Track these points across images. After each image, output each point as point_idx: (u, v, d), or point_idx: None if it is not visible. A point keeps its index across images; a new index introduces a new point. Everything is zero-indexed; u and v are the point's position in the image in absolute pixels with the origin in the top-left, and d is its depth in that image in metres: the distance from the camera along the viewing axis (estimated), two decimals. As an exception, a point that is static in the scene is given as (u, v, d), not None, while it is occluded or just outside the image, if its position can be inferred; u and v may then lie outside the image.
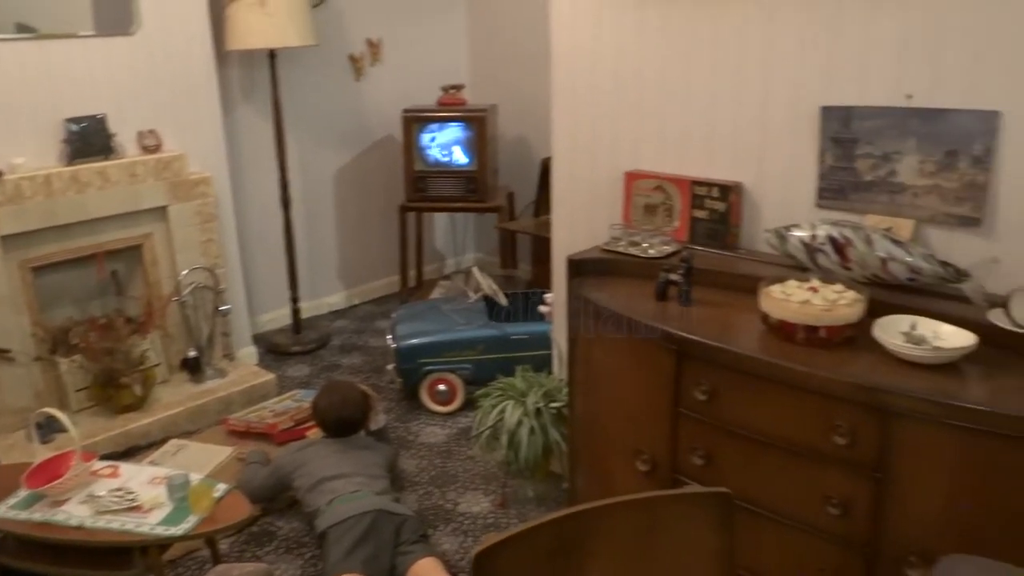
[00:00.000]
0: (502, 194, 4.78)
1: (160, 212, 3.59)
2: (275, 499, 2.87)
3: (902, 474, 1.69)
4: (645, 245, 2.41)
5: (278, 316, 4.61)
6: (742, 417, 1.91)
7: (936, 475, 1.66)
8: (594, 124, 2.68)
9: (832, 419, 1.75)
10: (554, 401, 2.74)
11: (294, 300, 4.41)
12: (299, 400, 3.55)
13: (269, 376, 3.79)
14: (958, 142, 1.97)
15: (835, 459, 1.77)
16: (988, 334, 1.78)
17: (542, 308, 3.39)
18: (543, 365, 3.06)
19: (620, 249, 2.42)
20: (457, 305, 3.86)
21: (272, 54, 4.03)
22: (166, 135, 3.60)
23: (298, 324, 4.45)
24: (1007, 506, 1.61)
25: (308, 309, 4.73)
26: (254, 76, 4.26)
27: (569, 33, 2.67)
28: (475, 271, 3.93)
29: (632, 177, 2.55)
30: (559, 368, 2.92)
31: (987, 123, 1.91)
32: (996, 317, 1.81)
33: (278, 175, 4.20)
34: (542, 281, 3.80)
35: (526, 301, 3.79)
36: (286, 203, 4.23)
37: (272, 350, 4.33)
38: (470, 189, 4.53)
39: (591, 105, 2.67)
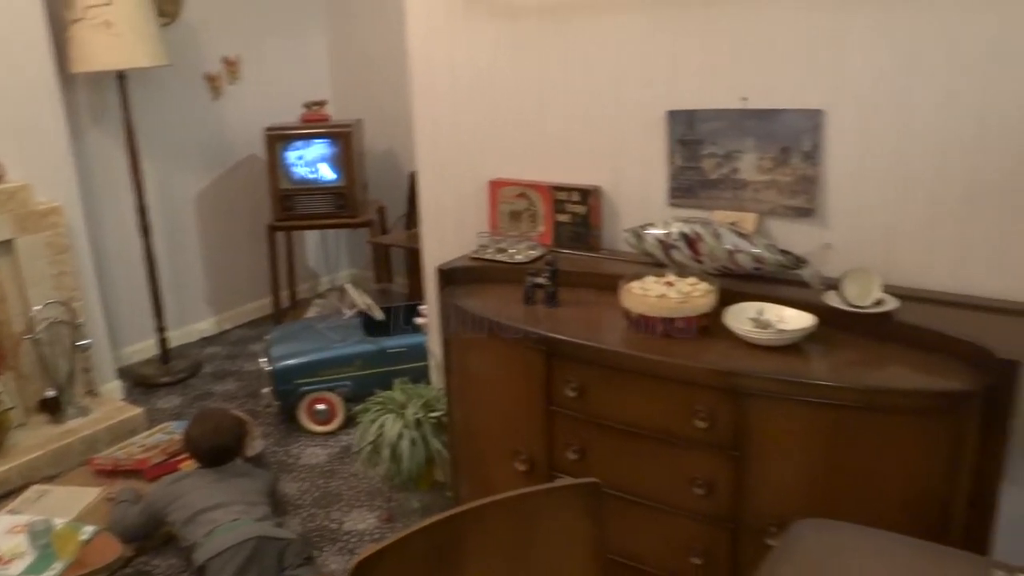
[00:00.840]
0: (373, 208, 4.77)
1: (5, 246, 3.38)
2: (150, 536, 2.75)
3: (758, 450, 1.81)
4: (512, 251, 2.47)
5: (144, 347, 4.43)
6: (611, 410, 1.99)
7: (788, 448, 1.79)
8: (456, 135, 2.72)
9: (693, 404, 1.85)
10: (433, 411, 2.76)
11: (160, 329, 4.24)
12: (171, 432, 3.41)
13: (137, 410, 3.63)
14: (790, 139, 2.12)
15: (697, 442, 1.87)
16: (826, 315, 1.93)
17: (418, 320, 3.41)
18: (422, 376, 3.07)
19: (488, 256, 2.47)
20: (332, 323, 3.81)
21: (121, 75, 3.87)
22: (9, 165, 3.39)
23: (166, 354, 4.28)
24: (853, 471, 1.75)
25: (176, 337, 4.56)
26: (104, 99, 4.09)
27: (425, 46, 2.71)
28: (349, 287, 3.91)
29: (496, 185, 2.60)
30: (437, 378, 2.94)
31: (813, 121, 2.07)
32: (831, 299, 1.96)
33: (135, 201, 4.04)
34: (417, 293, 3.81)
35: (402, 314, 3.79)
36: (145, 229, 4.07)
37: (140, 383, 4.15)
38: (339, 205, 4.49)
39: (452, 116, 2.71)
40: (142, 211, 4.04)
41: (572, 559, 1.46)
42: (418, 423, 2.73)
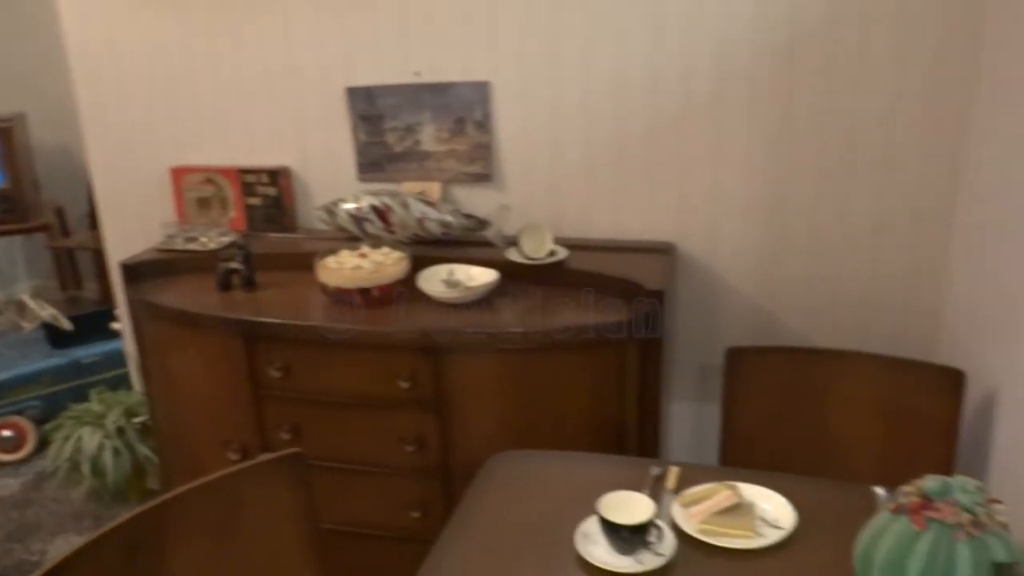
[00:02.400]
0: (48, 210, 4.32)
1: None
2: None
3: (459, 401, 1.94)
4: (204, 239, 2.39)
5: None
6: (319, 385, 2.02)
7: (485, 395, 1.93)
8: (128, 123, 2.56)
9: (395, 367, 1.94)
10: (137, 416, 2.60)
11: None
12: None
13: None
14: (463, 110, 2.26)
15: (403, 402, 1.96)
16: (508, 269, 2.10)
17: (114, 324, 3.18)
18: (123, 383, 2.88)
19: (177, 247, 2.37)
20: (10, 340, 3.43)
21: None
22: None
23: None
24: (542, 407, 1.94)
25: None
26: None
27: (82, 31, 2.51)
28: (26, 299, 3.53)
29: (179, 173, 2.50)
30: (138, 382, 2.78)
31: (481, 92, 2.23)
32: (512, 254, 2.14)
33: None
34: (110, 297, 3.54)
35: (95, 321, 3.50)
36: None
37: None
38: (7, 209, 4.03)
39: (121, 104, 2.55)
40: None
41: (284, 532, 1.48)
42: (120, 431, 2.57)
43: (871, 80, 2.00)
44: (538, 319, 1.94)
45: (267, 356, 2.02)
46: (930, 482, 1.18)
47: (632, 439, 1.99)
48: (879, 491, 1.25)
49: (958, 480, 1.17)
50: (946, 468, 1.69)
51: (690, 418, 2.41)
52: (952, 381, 1.71)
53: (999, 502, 1.16)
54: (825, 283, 2.19)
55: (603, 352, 1.92)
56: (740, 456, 1.86)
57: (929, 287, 2.12)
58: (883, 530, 1.19)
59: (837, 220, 2.13)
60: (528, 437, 1.94)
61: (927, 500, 1.17)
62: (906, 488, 1.20)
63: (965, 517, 1.12)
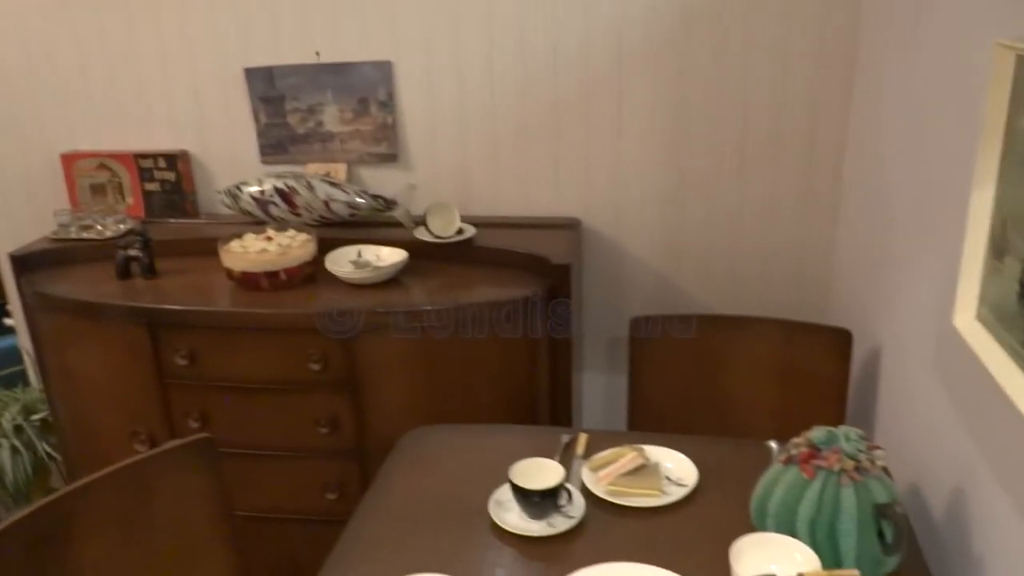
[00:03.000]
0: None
1: None
2: None
3: (371, 381, 1.94)
4: (100, 227, 2.31)
5: None
6: (227, 370, 1.99)
7: (397, 374, 1.94)
8: (11, 109, 2.44)
9: (306, 350, 1.93)
10: (35, 413, 2.51)
11: None
12: None
13: None
14: (366, 90, 2.25)
15: (315, 385, 1.95)
16: (417, 248, 2.11)
17: (6, 320, 3.03)
18: (19, 380, 2.76)
19: (72, 236, 2.29)
20: None
21: None
22: None
23: None
24: (454, 383, 1.96)
25: None
26: None
27: (-43, 8, 2.38)
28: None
29: (69, 159, 2.40)
30: (36, 377, 2.67)
31: (383, 71, 2.22)
32: (421, 233, 2.15)
33: None
34: (2, 290, 3.38)
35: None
36: None
37: None
38: None
39: (3, 89, 2.43)
40: None
41: (196, 518, 1.47)
42: (18, 430, 2.47)
43: (759, 60, 2.09)
44: (448, 296, 1.96)
45: (172, 344, 1.98)
46: (817, 433, 1.26)
47: (544, 411, 2.04)
48: (772, 445, 1.33)
49: (842, 430, 1.26)
50: (837, 422, 1.79)
51: (601, 389, 2.48)
52: (840, 342, 1.81)
53: (879, 448, 1.25)
54: (724, 254, 2.28)
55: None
56: (647, 421, 1.92)
57: (819, 256, 2.23)
58: (775, 480, 1.26)
59: (733, 195, 2.22)
60: (442, 413, 1.96)
61: (815, 450, 1.25)
62: (796, 440, 1.28)
63: (849, 463, 1.21)
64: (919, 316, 1.51)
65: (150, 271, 2.10)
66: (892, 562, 1.19)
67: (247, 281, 2.01)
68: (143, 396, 2.06)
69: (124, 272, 2.11)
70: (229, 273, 2.03)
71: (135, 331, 1.99)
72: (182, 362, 1.97)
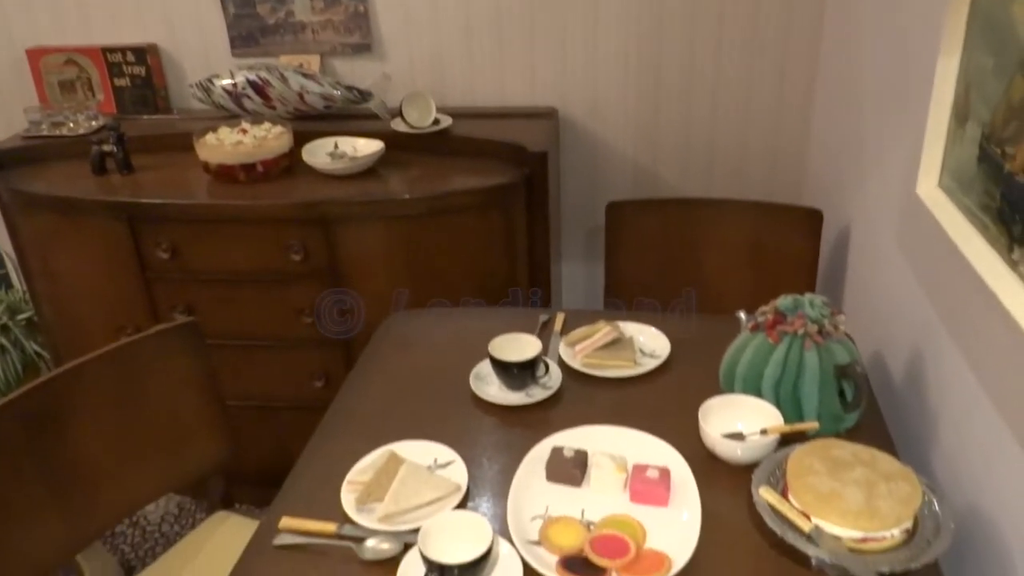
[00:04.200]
0: None
1: None
2: None
3: (352, 270, 1.97)
4: (71, 124, 2.28)
5: None
6: (209, 263, 2.01)
7: (377, 263, 1.97)
8: (-28, 1, 2.38)
9: (286, 241, 1.94)
10: (20, 313, 2.53)
11: None
12: None
13: None
14: (336, -23, 2.20)
15: (297, 275, 1.98)
16: (393, 139, 2.11)
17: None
18: (2, 282, 2.77)
19: (44, 133, 2.26)
20: None
21: None
22: None
23: None
24: (433, 270, 1.99)
25: None
26: None
27: None
28: None
29: (35, 54, 2.35)
30: (18, 279, 2.68)
31: (353, -44, 2.17)
32: (397, 124, 2.15)
33: None
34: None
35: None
36: None
37: None
38: None
39: (-39, -20, 2.35)
40: None
41: (185, 399, 1.52)
42: (5, 329, 2.49)
43: (738, -64, 2.06)
44: (425, 186, 1.97)
45: (153, 238, 1.99)
46: (784, 300, 1.31)
47: (523, 297, 2.09)
48: (741, 315, 1.38)
49: (807, 297, 1.31)
50: (806, 300, 1.86)
51: (580, 279, 2.52)
52: (812, 221, 1.85)
53: (841, 314, 1.30)
54: (700, 140, 2.29)
55: (491, 215, 1.98)
56: (623, 304, 1.97)
57: (794, 139, 2.25)
58: (743, 347, 1.32)
59: (709, 80, 2.21)
60: (422, 301, 2.00)
61: (781, 316, 1.30)
62: (763, 308, 1.33)
63: (813, 328, 1.26)
64: (887, 191, 1.55)
65: (126, 166, 2.09)
66: (852, 418, 1.26)
67: (224, 174, 2.01)
68: (127, 291, 2.08)
69: (99, 168, 2.09)
70: (206, 167, 2.03)
71: (115, 226, 2.00)
72: (164, 255, 1.99)
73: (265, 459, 2.17)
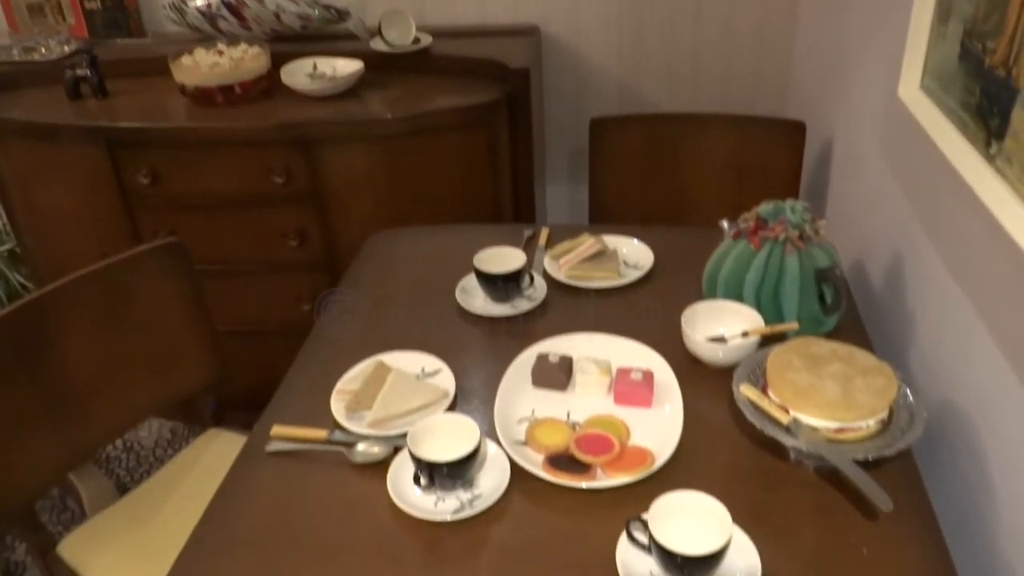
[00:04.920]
0: None
1: None
2: None
3: (335, 192, 1.96)
4: (43, 49, 2.23)
5: None
6: (190, 188, 1.99)
7: (360, 184, 1.96)
8: (-68, -78, 2.29)
9: (267, 164, 1.93)
10: (3, 244, 2.51)
11: None
12: None
13: None
14: None
15: (280, 198, 1.97)
16: (373, 60, 2.08)
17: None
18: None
19: (16, 59, 2.21)
20: None
21: None
22: None
23: None
24: (416, 190, 1.98)
25: None
26: None
27: None
28: None
29: (1, -23, 2.28)
30: (-2, 211, 2.65)
31: None
32: (376, 44, 2.11)
33: None
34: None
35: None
36: None
37: None
38: None
39: (-81, -101, 2.26)
40: None
41: (173, 320, 1.52)
42: (-13, 261, 2.48)
43: None
44: (407, 106, 1.95)
45: (132, 164, 1.97)
46: (765, 207, 1.32)
47: (508, 217, 2.09)
48: (724, 223, 1.39)
49: (789, 203, 1.31)
50: (789, 214, 1.87)
51: (564, 200, 2.52)
52: (795, 133, 1.85)
53: (822, 219, 1.31)
54: (684, 53, 2.26)
55: (474, 134, 1.96)
56: (607, 218, 1.98)
57: (778, 47, 2.23)
58: (726, 254, 1.34)
59: (693, -9, 2.18)
60: (407, 222, 1.99)
61: (763, 223, 1.31)
62: (746, 215, 1.34)
63: (794, 233, 1.27)
64: (869, 98, 1.55)
65: (101, 91, 2.06)
66: (831, 321, 1.28)
67: (202, 96, 1.98)
68: (109, 219, 2.06)
69: (74, 93, 2.06)
70: (183, 89, 2.00)
71: (94, 153, 1.97)
72: (144, 181, 1.97)
73: (255, 384, 2.17)
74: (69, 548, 1.41)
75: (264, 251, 2.05)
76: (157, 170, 1.97)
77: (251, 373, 2.20)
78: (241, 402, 1.98)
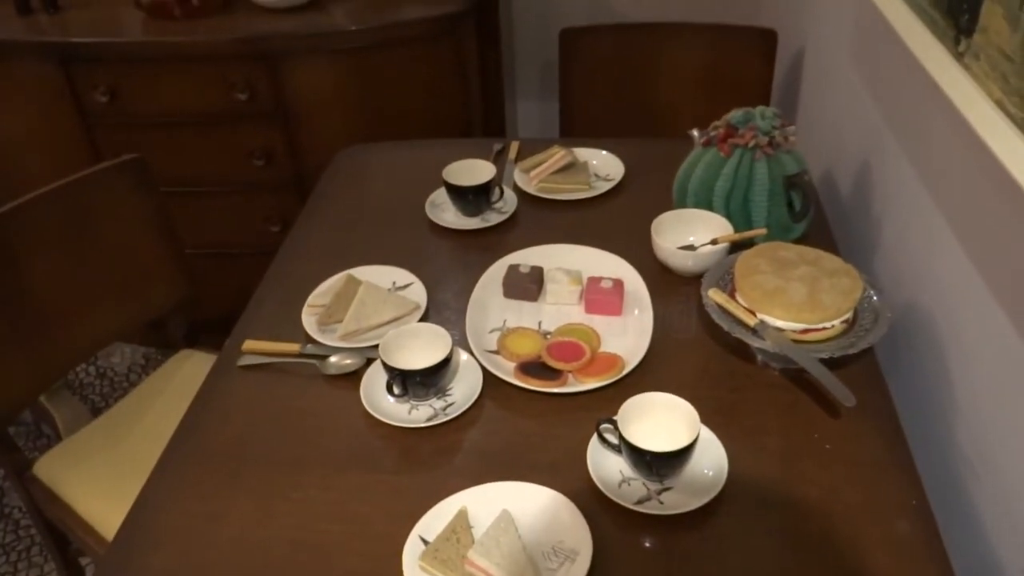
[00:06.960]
0: None
1: None
2: None
3: (301, 108, 1.92)
4: (-13, -38, 2.13)
5: None
6: (150, 105, 1.94)
7: (327, 99, 1.92)
8: None
9: (229, 79, 1.87)
10: (-41, 169, 2.44)
11: None
12: None
13: None
14: None
15: (244, 115, 1.92)
16: (336, -31, 2.00)
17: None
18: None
19: (-42, -28, 2.11)
20: None
21: None
22: None
23: None
24: (389, 107, 1.94)
25: None
26: None
27: None
28: None
29: None
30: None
31: None
32: (338, -48, 2.03)
33: None
34: None
35: None
36: None
37: None
38: None
39: None
40: None
41: (140, 239, 1.50)
42: (-55, 187, 2.41)
43: None
44: (372, 16, 1.89)
45: (89, 81, 1.90)
46: (735, 113, 1.31)
47: (478, 132, 2.06)
48: (694, 132, 1.38)
49: (758, 109, 1.30)
50: (760, 124, 1.85)
51: (535, 117, 2.48)
52: (766, 41, 1.83)
53: (791, 125, 1.31)
54: (655, -35, 2.21)
55: (441, 46, 1.92)
56: (578, 133, 1.96)
57: (751, -39, 2.18)
58: (696, 162, 1.33)
59: None
60: (376, 138, 1.96)
61: (732, 129, 1.30)
62: (716, 123, 1.33)
63: (763, 140, 1.26)
64: (840, 4, 1.53)
65: (52, 5, 1.98)
66: (800, 228, 1.29)
67: (158, 9, 1.91)
68: (68, 140, 2.01)
69: (24, 7, 1.97)
70: (137, 3, 1.93)
71: (48, 70, 1.90)
72: (102, 99, 1.91)
73: (227, 308, 2.16)
74: (45, 467, 1.41)
75: (230, 171, 2.01)
76: (115, 87, 1.91)
77: (223, 297, 2.18)
78: (214, 326, 1.98)
